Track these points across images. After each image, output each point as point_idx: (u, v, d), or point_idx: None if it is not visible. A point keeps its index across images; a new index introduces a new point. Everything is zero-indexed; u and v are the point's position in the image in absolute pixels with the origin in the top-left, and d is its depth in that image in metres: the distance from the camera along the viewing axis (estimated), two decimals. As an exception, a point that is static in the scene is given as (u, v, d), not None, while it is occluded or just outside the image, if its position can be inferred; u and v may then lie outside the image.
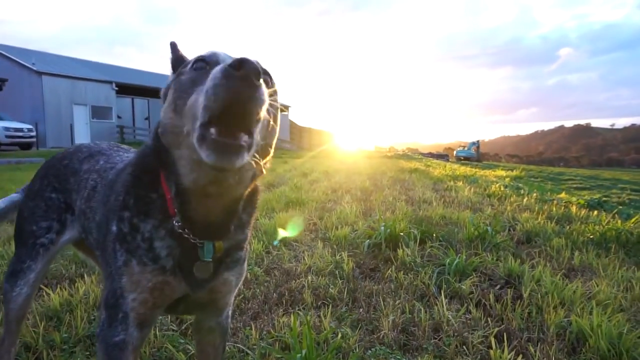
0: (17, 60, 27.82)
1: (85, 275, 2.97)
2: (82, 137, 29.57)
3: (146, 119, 35.01)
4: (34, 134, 24.28)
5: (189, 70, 1.03)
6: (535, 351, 2.04)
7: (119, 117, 32.45)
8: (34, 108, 27.42)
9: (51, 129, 27.69)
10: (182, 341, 2.12)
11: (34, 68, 27.23)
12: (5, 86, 19.36)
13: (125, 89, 32.95)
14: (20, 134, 23.48)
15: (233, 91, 0.83)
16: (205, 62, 1.01)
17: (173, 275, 1.17)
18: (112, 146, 1.75)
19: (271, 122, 1.05)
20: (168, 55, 1.23)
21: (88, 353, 2.00)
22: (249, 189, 1.15)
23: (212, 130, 0.86)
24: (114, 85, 31.80)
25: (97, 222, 1.38)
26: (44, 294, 2.59)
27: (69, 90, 29.03)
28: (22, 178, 10.75)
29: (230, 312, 1.45)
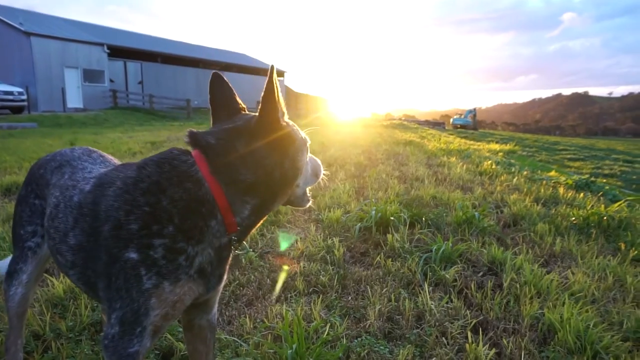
0: (3, 19, 26.99)
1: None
2: (74, 101, 29.17)
3: (139, 82, 34.42)
4: (24, 97, 23.94)
5: (305, 145, 1.45)
6: (508, 342, 2.21)
7: (111, 80, 31.90)
8: (23, 71, 26.87)
9: (42, 93, 27.24)
10: (180, 330, 2.26)
11: (22, 28, 26.48)
12: (-6, 48, 18.92)
13: (118, 52, 32.23)
14: (11, 97, 23.15)
15: (318, 177, 1.57)
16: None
17: (195, 281, 1.28)
18: (83, 155, 1.68)
19: None
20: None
21: (93, 343, 2.14)
22: None
23: (309, 192, 1.55)
24: (105, 47, 31.09)
25: (71, 247, 1.38)
26: (48, 281, 2.71)
27: (60, 52, 28.37)
28: (15, 147, 10.72)
29: (216, 310, 1.59)
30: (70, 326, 2.26)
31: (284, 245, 3.49)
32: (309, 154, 1.48)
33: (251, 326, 2.35)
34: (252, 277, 2.99)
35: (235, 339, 2.19)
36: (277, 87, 1.28)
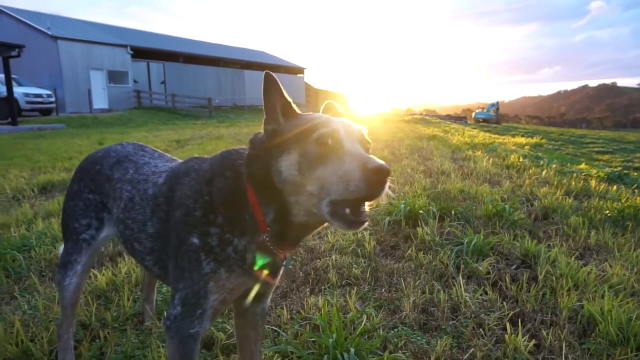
0: (32, 24, 27.83)
1: (125, 254, 3.18)
2: (100, 102, 29.89)
3: (162, 82, 35.02)
4: (53, 99, 24.63)
5: (314, 144, 1.16)
6: (547, 334, 2.18)
7: (135, 81, 32.55)
8: (51, 73, 27.66)
9: (69, 94, 28.01)
10: (219, 320, 2.31)
11: (49, 32, 27.25)
12: (23, 52, 19.51)
13: (141, 53, 32.85)
14: (40, 99, 23.85)
15: (368, 189, 1.07)
16: (329, 138, 1.16)
17: (249, 274, 1.36)
18: (138, 151, 1.82)
19: None
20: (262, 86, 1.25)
21: (138, 331, 2.22)
22: None
23: (347, 210, 1.12)
24: (129, 49, 31.73)
25: (150, 234, 1.52)
26: (92, 274, 2.81)
27: (85, 55, 29.11)
28: (47, 147, 11.07)
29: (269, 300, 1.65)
30: (115, 316, 2.34)
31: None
32: (345, 154, 1.13)
33: (288, 317, 2.39)
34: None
35: (275, 328, 2.23)
36: (272, 92, 1.24)
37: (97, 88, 30.01)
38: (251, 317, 1.61)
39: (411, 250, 3.34)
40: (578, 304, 2.46)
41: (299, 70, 50.76)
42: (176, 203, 1.41)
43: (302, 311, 2.44)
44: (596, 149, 21.77)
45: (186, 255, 1.32)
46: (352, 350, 1.87)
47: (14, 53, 19.21)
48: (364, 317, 2.34)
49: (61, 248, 1.90)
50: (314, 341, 2.08)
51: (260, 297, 1.55)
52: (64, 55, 27.74)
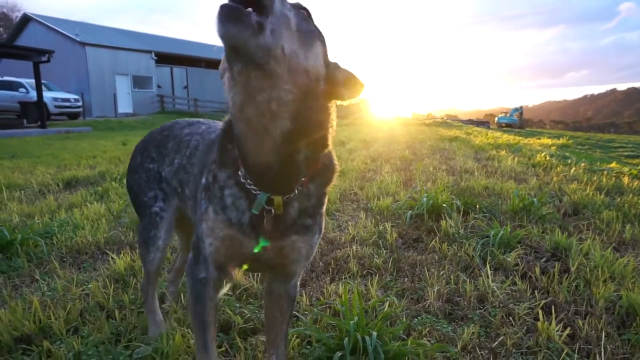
0: (61, 31, 28.68)
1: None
2: (125, 106, 30.54)
3: (185, 87, 35.58)
4: (80, 103, 25.27)
5: None
6: (583, 324, 2.05)
7: (158, 86, 33.15)
8: (79, 78, 28.43)
9: (96, 99, 28.70)
10: (237, 305, 2.26)
11: (78, 39, 28.04)
12: (52, 57, 20.11)
13: (164, 58, 33.45)
14: (68, 104, 24.49)
15: None
16: None
17: (242, 232, 1.26)
18: (193, 122, 1.91)
19: (304, 36, 1.06)
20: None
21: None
22: (308, 138, 1.15)
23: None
24: (153, 54, 32.36)
25: (194, 175, 1.57)
26: (110, 259, 2.80)
27: (111, 60, 29.81)
28: (73, 147, 11.32)
29: (297, 282, 1.53)
30: (132, 299, 2.31)
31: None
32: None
33: (307, 303, 2.32)
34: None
35: (295, 313, 2.16)
36: None
37: (122, 93, 30.66)
38: (277, 298, 1.53)
39: (434, 242, 3.22)
40: (615, 294, 2.31)
41: None
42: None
43: (321, 298, 2.37)
44: (625, 153, 21.01)
45: (197, 196, 1.37)
46: (374, 334, 1.78)
47: (43, 58, 19.79)
48: (387, 303, 2.25)
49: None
50: (334, 326, 2.00)
51: (280, 274, 1.47)
52: (91, 61, 28.48)
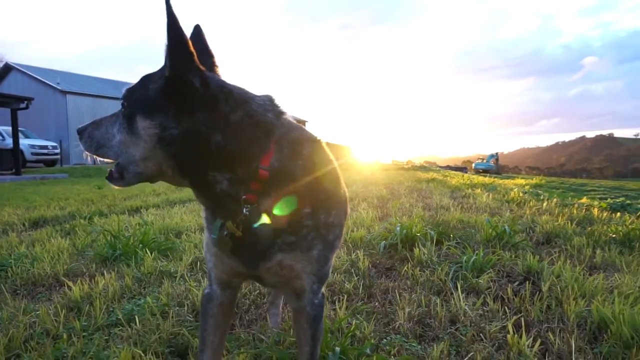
0: (43, 80, 28.88)
1: (105, 273, 3.03)
2: (104, 153, 30.35)
3: (166, 135, 35.75)
4: (58, 151, 24.98)
5: None
6: (554, 339, 1.99)
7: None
8: (58, 126, 28.33)
9: (74, 146, 28.45)
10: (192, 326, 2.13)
11: (59, 87, 28.23)
12: (32, 104, 20.05)
13: (146, 107, 33.80)
14: (45, 151, 24.18)
15: None
16: None
17: (224, 252, 1.31)
18: None
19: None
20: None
21: (107, 337, 2.04)
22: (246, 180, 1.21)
23: None
24: (134, 102, 32.70)
25: None
26: (66, 287, 2.65)
27: (92, 108, 29.94)
28: (46, 191, 11.04)
29: (318, 301, 1.40)
30: (84, 326, 2.16)
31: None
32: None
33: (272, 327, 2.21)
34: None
35: (255, 332, 2.05)
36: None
37: (102, 140, 30.57)
38: (296, 315, 1.44)
39: (407, 268, 3.17)
40: (586, 309, 2.27)
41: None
42: None
43: (287, 319, 2.26)
44: (598, 196, 21.63)
45: None
46: (338, 349, 1.69)
47: (22, 105, 19.71)
48: (354, 322, 2.16)
49: None
50: (296, 347, 1.90)
51: (281, 289, 1.53)
52: (71, 108, 28.56)
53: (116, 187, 1.26)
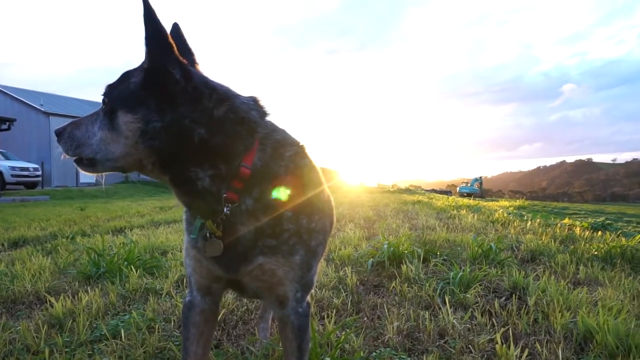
0: (26, 101, 28.61)
1: (89, 290, 2.96)
2: (87, 176, 29.88)
3: (151, 157, 35.47)
4: (39, 173, 24.52)
5: None
6: (542, 349, 2.01)
7: (123, 156, 32.89)
8: (40, 147, 27.93)
9: (57, 168, 28.07)
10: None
11: (42, 109, 27.96)
12: (14, 126, 19.79)
13: (131, 129, 33.58)
14: (26, 173, 23.71)
15: None
16: None
17: (203, 255, 1.28)
18: None
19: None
20: None
21: (91, 352, 1.98)
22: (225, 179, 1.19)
23: None
24: (119, 125, 32.48)
25: None
26: (48, 303, 2.58)
27: (76, 130, 29.66)
28: (26, 213, 10.81)
29: (302, 310, 1.35)
30: (67, 342, 2.11)
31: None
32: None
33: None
34: (258, 303, 2.83)
35: (244, 345, 2.02)
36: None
37: (85, 162, 30.17)
38: (280, 325, 1.40)
39: (395, 284, 3.17)
40: (572, 321, 2.30)
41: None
42: None
43: (276, 333, 2.23)
44: (579, 219, 22.02)
45: None
46: (328, 359, 1.68)
47: (4, 126, 19.44)
48: (344, 334, 2.14)
49: None
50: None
51: (263, 296, 1.46)
52: (54, 130, 28.24)
53: (86, 173, 1.26)
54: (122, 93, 1.15)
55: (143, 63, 1.16)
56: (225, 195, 1.17)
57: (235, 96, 1.23)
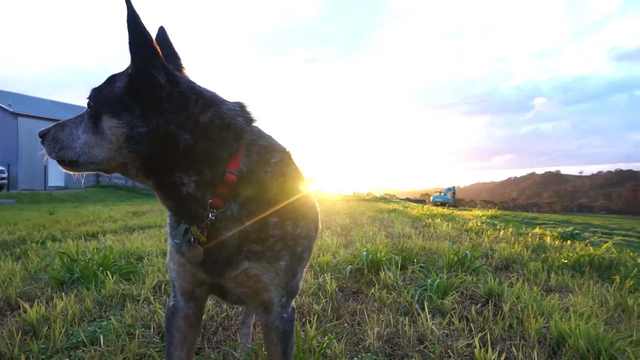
0: (-8, 101, 27.61)
1: (64, 295, 2.89)
2: (56, 179, 29.00)
3: (123, 161, 34.65)
4: (5, 175, 23.64)
5: None
6: (518, 353, 2.08)
7: (95, 159, 32.02)
8: (7, 149, 26.95)
9: (24, 171, 27.11)
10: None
11: (10, 109, 27.01)
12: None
13: (104, 132, 32.76)
14: (-9, 175, 22.86)
15: None
16: None
17: (186, 259, 1.28)
18: None
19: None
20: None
21: (67, 358, 1.94)
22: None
23: None
24: (91, 127, 31.64)
25: None
26: (21, 309, 2.50)
27: (45, 132, 28.74)
28: (-8, 216, 10.40)
29: (287, 315, 1.36)
30: (42, 349, 2.05)
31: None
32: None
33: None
34: (239, 309, 2.82)
35: (226, 350, 2.02)
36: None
37: (54, 165, 28.95)
38: (265, 330, 1.39)
39: (374, 291, 3.21)
40: (545, 326, 2.39)
41: None
42: None
43: (258, 339, 2.23)
44: (549, 228, 22.70)
45: None
46: (312, 364, 1.69)
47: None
48: (326, 339, 2.16)
49: None
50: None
51: (248, 302, 1.38)
52: (23, 131, 27.30)
53: (68, 172, 1.25)
54: (107, 97, 1.14)
55: (128, 68, 1.15)
56: (210, 201, 1.17)
57: (222, 102, 1.23)
